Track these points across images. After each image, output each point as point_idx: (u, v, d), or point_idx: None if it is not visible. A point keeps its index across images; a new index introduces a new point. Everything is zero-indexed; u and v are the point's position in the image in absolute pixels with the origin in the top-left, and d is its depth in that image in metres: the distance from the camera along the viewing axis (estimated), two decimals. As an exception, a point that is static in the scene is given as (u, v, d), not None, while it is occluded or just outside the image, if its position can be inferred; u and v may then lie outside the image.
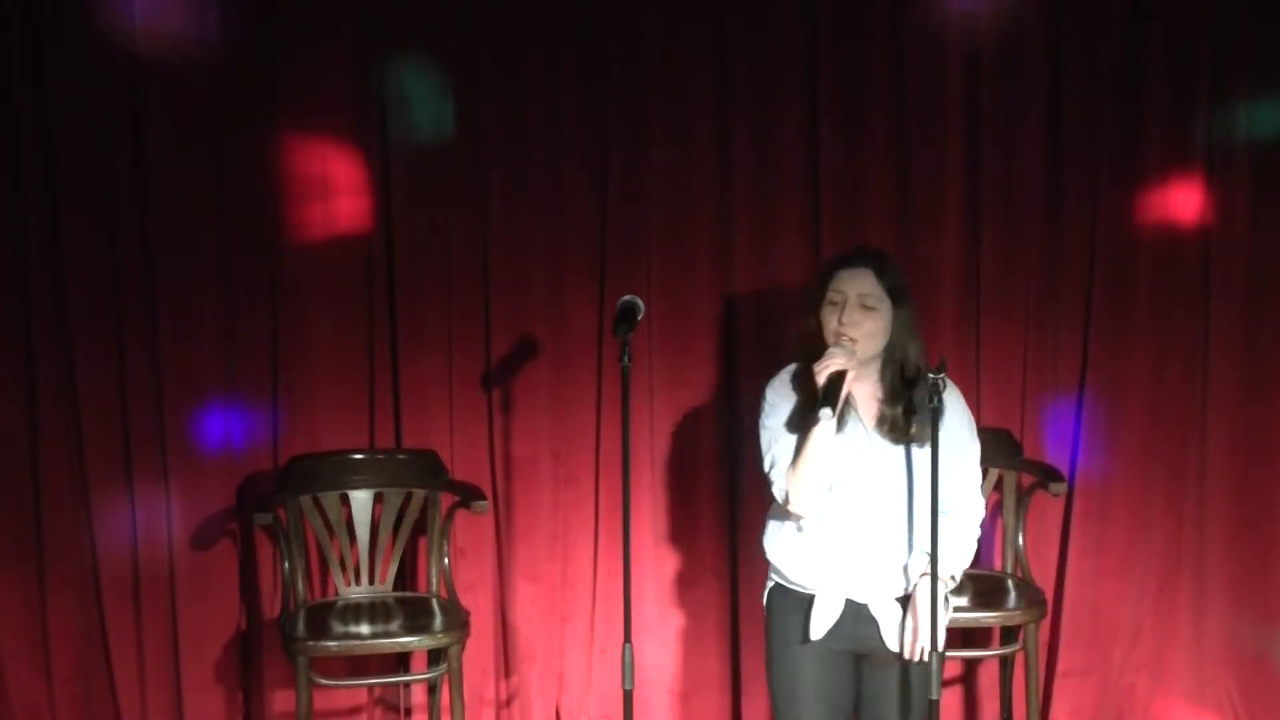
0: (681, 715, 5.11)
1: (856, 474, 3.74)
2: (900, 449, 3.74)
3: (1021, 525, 4.98)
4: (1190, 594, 5.17)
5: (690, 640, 5.09)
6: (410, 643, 4.61)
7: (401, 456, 4.91)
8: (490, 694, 5.05)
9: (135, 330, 4.78)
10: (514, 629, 5.05)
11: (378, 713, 5.05)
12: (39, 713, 4.85)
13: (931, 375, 3.61)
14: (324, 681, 4.58)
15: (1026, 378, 5.11)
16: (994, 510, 5.06)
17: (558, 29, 4.90)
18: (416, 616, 4.69)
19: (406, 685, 4.98)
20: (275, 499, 4.71)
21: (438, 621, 4.65)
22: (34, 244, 4.73)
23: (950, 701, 5.07)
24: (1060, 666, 5.14)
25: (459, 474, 4.93)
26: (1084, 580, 5.14)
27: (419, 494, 4.87)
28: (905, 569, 3.74)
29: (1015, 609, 4.75)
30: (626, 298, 4.06)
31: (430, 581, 4.88)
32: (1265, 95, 5.03)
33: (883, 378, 3.79)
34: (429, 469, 4.88)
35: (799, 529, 3.76)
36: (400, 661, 4.95)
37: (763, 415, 3.81)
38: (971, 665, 5.12)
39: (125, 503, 4.82)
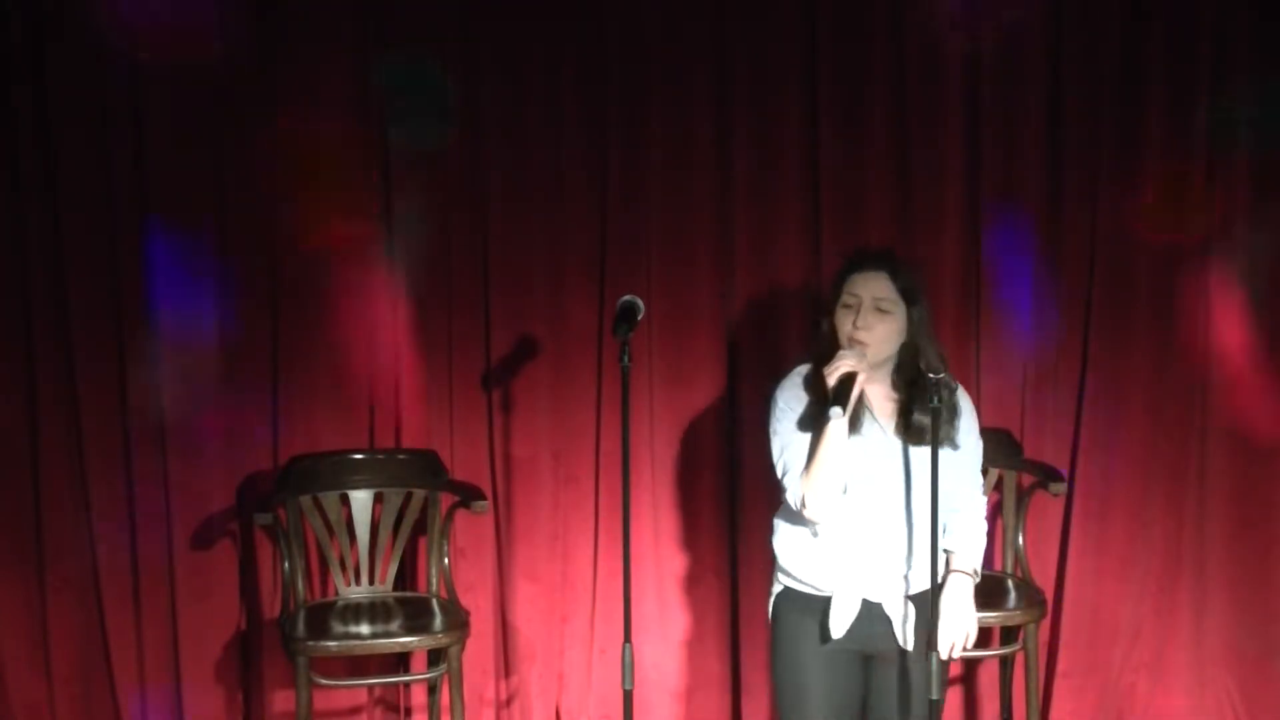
0: (681, 715, 5.11)
1: (871, 475, 3.73)
2: (915, 449, 3.73)
3: (1021, 525, 4.98)
4: (1190, 594, 5.17)
5: (690, 640, 5.09)
6: (410, 643, 4.61)
7: (401, 456, 4.91)
8: (490, 694, 5.05)
9: (135, 330, 4.78)
10: (514, 629, 5.05)
11: (378, 713, 5.05)
12: (39, 713, 4.85)
13: (933, 375, 3.61)
14: (324, 681, 4.57)
15: (1026, 378, 5.11)
16: (994, 510, 5.06)
17: (558, 29, 4.90)
18: (416, 616, 4.69)
19: (406, 685, 4.98)
20: (275, 499, 4.71)
21: (438, 621, 4.66)
22: (34, 244, 4.73)
23: (950, 701, 5.06)
24: (1060, 666, 5.14)
25: (459, 474, 4.93)
26: (1084, 580, 5.14)
27: (419, 494, 4.87)
28: (920, 569, 3.73)
29: (1015, 609, 4.75)
30: (626, 298, 4.06)
31: (430, 581, 4.88)
32: (1265, 95, 5.02)
33: (898, 379, 3.78)
34: (429, 469, 4.88)
35: (814, 533, 3.75)
36: (400, 661, 4.95)
37: (773, 420, 3.78)
38: (971, 665, 5.12)
39: (125, 503, 4.82)
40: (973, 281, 5.06)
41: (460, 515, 4.85)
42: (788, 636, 3.80)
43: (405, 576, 4.99)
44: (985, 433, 4.92)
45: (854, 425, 3.69)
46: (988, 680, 5.12)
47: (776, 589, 3.85)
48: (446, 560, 4.87)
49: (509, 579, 5.04)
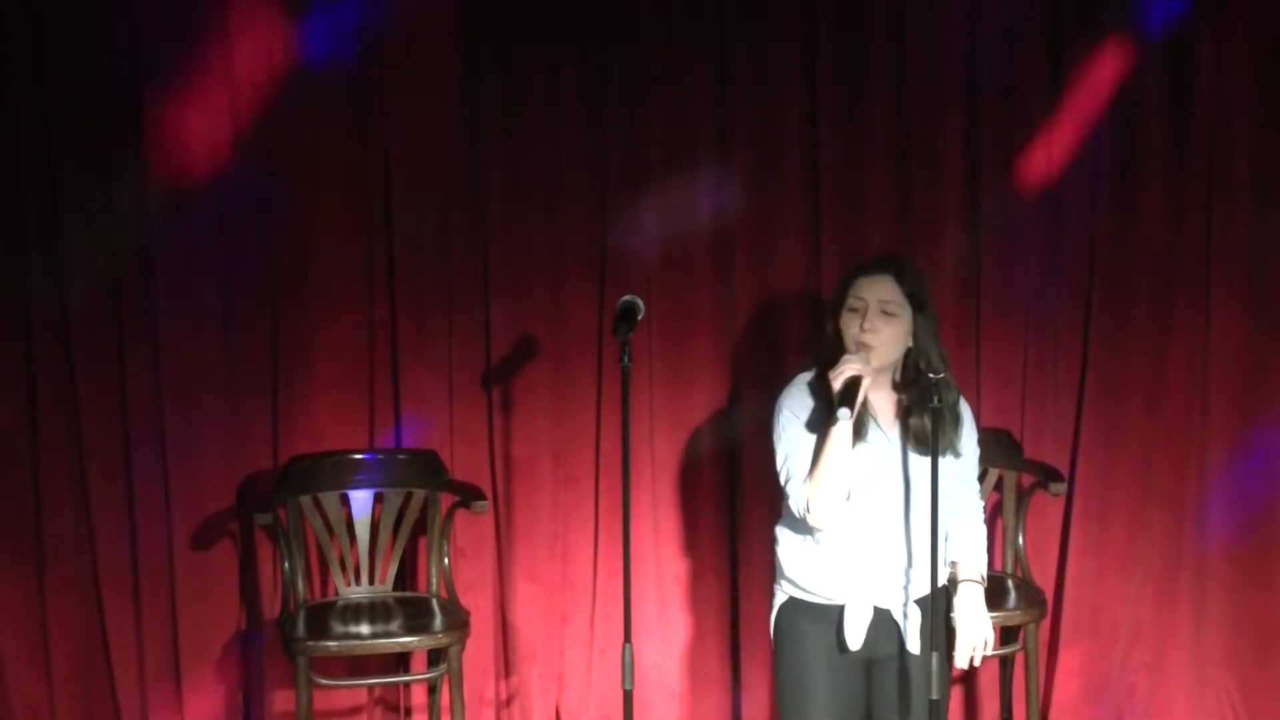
0: (681, 715, 5.11)
1: (876, 481, 3.72)
2: (919, 456, 3.72)
3: (1021, 525, 4.98)
4: (1190, 594, 5.17)
5: (690, 640, 5.09)
6: (410, 643, 4.61)
7: (401, 456, 4.91)
8: (490, 694, 5.05)
9: (135, 330, 4.78)
10: (514, 629, 5.05)
11: (378, 713, 5.04)
12: (39, 713, 4.84)
13: (933, 375, 3.61)
14: (324, 681, 4.58)
15: (1026, 378, 5.11)
16: (994, 510, 5.06)
17: (558, 29, 4.90)
18: (416, 616, 4.69)
19: (406, 685, 4.98)
20: (275, 499, 4.71)
21: (438, 621, 4.66)
22: (34, 244, 4.72)
23: (950, 701, 5.06)
24: (1060, 666, 5.14)
25: (459, 474, 4.93)
26: (1084, 580, 5.14)
27: (419, 494, 4.87)
28: (923, 573, 3.73)
29: (1015, 609, 4.75)
30: (626, 298, 4.06)
31: (430, 581, 4.88)
32: (1265, 95, 5.02)
33: (902, 386, 3.77)
34: (429, 469, 4.88)
35: (817, 541, 3.74)
36: (400, 661, 4.95)
37: (777, 428, 3.76)
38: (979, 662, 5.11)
39: (125, 503, 4.81)
40: (973, 281, 5.06)
41: (460, 515, 4.85)
42: (794, 646, 3.78)
43: (405, 576, 4.98)
44: (985, 433, 4.93)
45: (858, 432, 3.68)
46: (988, 680, 5.11)
47: (780, 599, 3.83)
48: (446, 560, 4.87)
49: (509, 579, 5.04)
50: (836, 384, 3.59)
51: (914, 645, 3.74)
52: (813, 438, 3.69)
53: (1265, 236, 5.07)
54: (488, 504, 4.81)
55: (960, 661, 3.74)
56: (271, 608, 4.89)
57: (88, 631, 4.84)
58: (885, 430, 3.75)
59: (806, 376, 3.80)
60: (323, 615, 4.69)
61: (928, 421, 3.67)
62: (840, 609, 3.73)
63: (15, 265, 4.73)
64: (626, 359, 3.91)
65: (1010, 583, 4.92)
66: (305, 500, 4.79)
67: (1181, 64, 5.00)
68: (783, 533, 3.82)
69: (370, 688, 4.98)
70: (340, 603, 4.80)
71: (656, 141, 4.94)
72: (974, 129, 5.01)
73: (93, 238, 4.74)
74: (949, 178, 5.01)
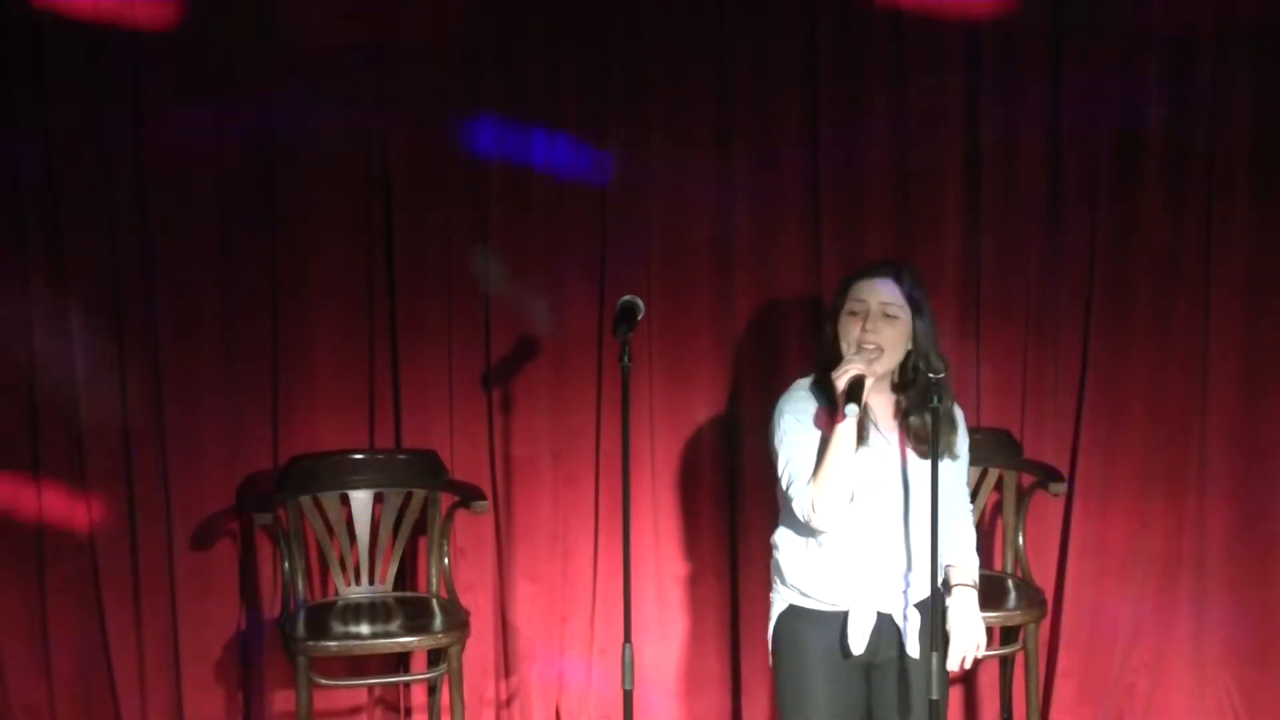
0: (681, 715, 5.11)
1: (876, 485, 3.72)
2: (918, 459, 3.71)
3: (1021, 525, 4.98)
4: (1190, 594, 5.17)
5: (690, 640, 5.09)
6: (410, 643, 4.61)
7: (401, 456, 4.91)
8: (490, 694, 5.05)
9: (135, 330, 4.78)
10: (514, 629, 5.05)
11: (378, 713, 5.05)
12: (39, 713, 4.85)
13: (934, 375, 3.61)
14: (324, 681, 4.58)
15: (1026, 378, 5.11)
16: (994, 510, 5.06)
17: (558, 29, 4.90)
18: (416, 616, 4.69)
19: (406, 685, 4.98)
20: (275, 499, 4.71)
21: (438, 621, 4.66)
22: (34, 244, 4.73)
23: (950, 701, 5.06)
24: (1060, 666, 5.14)
25: (459, 474, 4.93)
26: (1084, 580, 5.14)
27: (419, 494, 4.87)
28: (923, 576, 3.73)
29: (1015, 609, 4.75)
30: (626, 298, 4.05)
31: (430, 581, 4.88)
32: (1265, 95, 5.02)
33: (900, 389, 3.77)
34: (429, 469, 4.88)
35: (819, 544, 3.73)
36: (400, 661, 4.95)
37: (778, 433, 3.74)
38: (971, 665, 5.10)
39: (125, 503, 4.82)
40: (973, 281, 5.06)
41: (460, 515, 4.85)
42: (795, 653, 3.77)
43: (405, 576, 4.99)
44: (985, 433, 4.99)
45: (859, 435, 3.67)
46: (988, 680, 5.11)
47: (780, 607, 3.81)
48: (446, 560, 4.87)
49: (509, 579, 5.05)
50: (840, 383, 3.59)
51: (914, 649, 3.74)
52: (814, 441, 3.68)
53: (1265, 236, 5.07)
54: (488, 504, 4.81)
55: (952, 665, 3.74)
56: (271, 608, 4.89)
57: (88, 631, 4.84)
58: (885, 433, 3.75)
59: (804, 382, 3.80)
60: (323, 615, 4.69)
61: (927, 422, 3.67)
62: (843, 615, 3.73)
63: (15, 265, 4.73)
64: (626, 359, 3.91)
65: (1010, 583, 4.91)
66: (305, 500, 4.79)
67: (1182, 64, 4.99)
68: (783, 539, 3.80)
69: (370, 688, 4.99)
70: (340, 603, 4.80)
71: (656, 142, 4.94)
72: (974, 129, 5.01)
73: (93, 237, 4.74)
74: (949, 178, 5.01)
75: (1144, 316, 5.08)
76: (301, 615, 4.66)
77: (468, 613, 4.75)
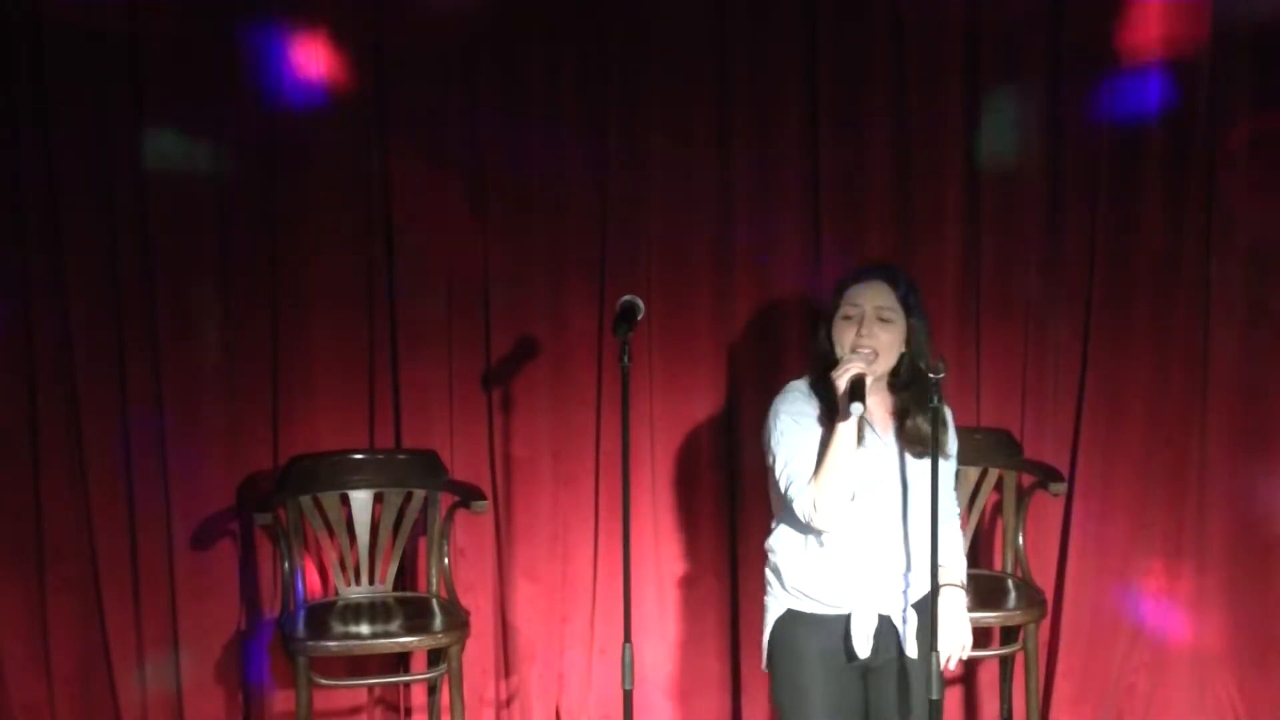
0: (681, 715, 5.11)
1: (873, 486, 3.72)
2: (916, 460, 3.72)
3: (1021, 525, 4.98)
4: (1190, 594, 5.17)
5: (690, 640, 5.09)
6: (410, 643, 4.61)
7: (401, 456, 4.91)
8: (490, 694, 5.05)
9: (135, 330, 4.78)
10: (514, 629, 5.05)
11: (378, 713, 5.05)
12: (39, 713, 4.84)
13: (933, 376, 3.61)
14: (324, 681, 4.58)
15: (1026, 378, 5.11)
16: (994, 510, 5.06)
17: (558, 29, 4.90)
18: (416, 616, 4.69)
19: (406, 685, 4.98)
20: (275, 499, 4.71)
21: (438, 621, 4.66)
22: (34, 244, 4.73)
23: (950, 701, 5.06)
24: (1060, 666, 5.14)
25: (459, 474, 4.93)
26: (1084, 580, 5.14)
27: (419, 494, 4.87)
28: (921, 577, 3.74)
29: (1015, 609, 4.75)
30: (626, 298, 4.05)
31: (430, 581, 4.88)
32: (1265, 94, 5.02)
33: (895, 390, 3.77)
34: (429, 469, 4.88)
35: (820, 544, 3.72)
36: (400, 661, 4.95)
37: (775, 434, 3.74)
38: (971, 665, 5.12)
39: (125, 503, 4.82)
40: (973, 281, 5.06)
41: (460, 515, 4.85)
42: (793, 658, 3.76)
43: (405, 576, 4.99)
44: (985, 432, 4.98)
45: (857, 436, 3.68)
46: (988, 680, 5.11)
47: (777, 612, 3.80)
48: (446, 560, 4.87)
49: (509, 579, 5.05)
50: (841, 383, 3.59)
51: (912, 650, 3.74)
52: (813, 441, 3.68)
53: (1265, 236, 5.07)
54: (488, 504, 4.81)
55: (943, 659, 3.74)
56: (271, 608, 4.89)
57: (88, 631, 4.84)
58: (881, 434, 3.75)
59: (799, 383, 3.80)
60: (323, 615, 4.69)
61: (923, 423, 3.67)
62: (844, 618, 3.72)
63: (15, 265, 4.73)
64: (626, 359, 3.90)
65: (1010, 583, 4.91)
66: (305, 500, 4.79)
67: (1182, 63, 4.99)
68: (780, 543, 3.79)
69: (370, 688, 4.99)
70: (340, 603, 4.80)
71: (656, 141, 4.94)
72: (974, 129, 5.01)
73: (93, 237, 4.74)
74: (949, 178, 5.01)
75: (1144, 316, 5.08)
76: (301, 615, 4.66)
77: (468, 613, 4.75)
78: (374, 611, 4.74)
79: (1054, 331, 5.09)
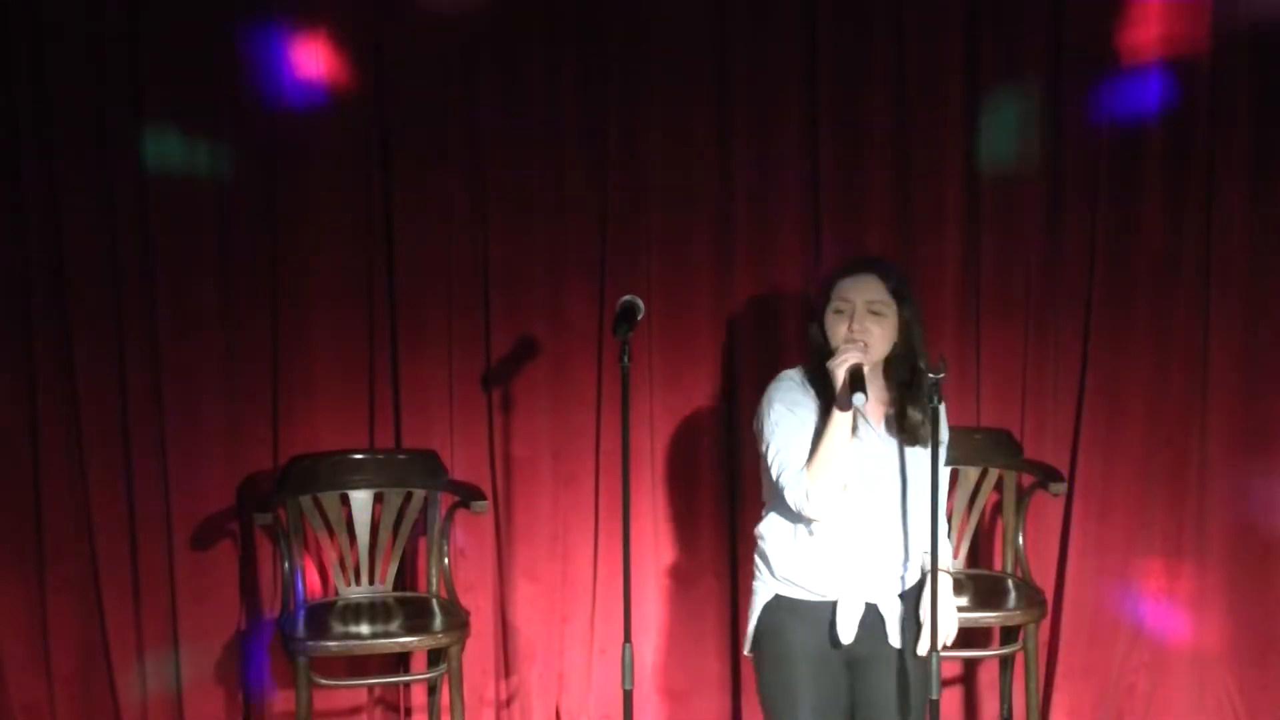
0: (681, 715, 5.11)
1: (866, 476, 3.73)
2: (907, 450, 3.74)
3: (1021, 525, 4.98)
4: (1190, 594, 5.17)
5: (690, 640, 5.09)
6: (410, 643, 4.61)
7: (401, 456, 4.91)
8: (490, 694, 5.05)
9: (135, 330, 4.78)
10: (514, 629, 5.05)
11: (378, 713, 5.05)
12: (39, 713, 4.84)
13: (932, 375, 3.61)
14: (324, 681, 4.57)
15: (1026, 378, 5.11)
16: (994, 510, 5.06)
17: (558, 29, 4.90)
18: (416, 616, 4.69)
19: (406, 685, 4.98)
20: (275, 499, 4.71)
21: (438, 621, 4.66)
22: (34, 244, 4.73)
23: (950, 701, 5.07)
24: (1060, 666, 5.14)
25: (459, 474, 4.93)
26: (1084, 580, 5.14)
27: (419, 494, 4.87)
28: (912, 567, 3.76)
29: (1015, 609, 4.75)
30: (626, 298, 4.06)
31: (430, 581, 4.88)
32: (1264, 94, 5.02)
33: (889, 381, 3.79)
34: (429, 469, 4.88)
35: (810, 532, 3.74)
36: (400, 661, 4.95)
37: (767, 423, 3.75)
38: (971, 665, 5.12)
39: (125, 503, 4.82)
40: (973, 281, 5.06)
41: (460, 515, 4.85)
42: (779, 645, 3.78)
43: (405, 576, 4.99)
44: (985, 432, 4.98)
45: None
46: (988, 680, 5.11)
47: (765, 597, 3.82)
48: (446, 560, 4.87)
49: (509, 579, 5.04)
50: (840, 373, 3.60)
51: (895, 639, 3.75)
52: (806, 429, 3.70)
53: (1265, 236, 5.07)
54: (488, 504, 4.81)
55: (922, 650, 3.74)
56: (271, 608, 4.89)
57: (88, 631, 4.84)
58: (873, 425, 3.76)
59: (792, 372, 3.83)
60: (323, 615, 4.69)
61: (916, 416, 3.69)
62: (831, 605, 3.74)
63: (15, 265, 4.73)
64: (626, 359, 3.91)
65: (1010, 583, 4.91)
66: (305, 500, 4.79)
67: (1182, 63, 4.99)
68: (770, 530, 3.81)
69: (370, 688, 4.99)
70: (340, 603, 4.80)
71: (656, 141, 4.94)
72: (974, 129, 5.01)
73: (93, 237, 4.74)
74: (949, 178, 5.01)
75: (1144, 316, 5.08)
76: (301, 615, 4.66)
77: (468, 613, 4.75)
78: (374, 611, 4.74)
79: (1054, 331, 5.09)
